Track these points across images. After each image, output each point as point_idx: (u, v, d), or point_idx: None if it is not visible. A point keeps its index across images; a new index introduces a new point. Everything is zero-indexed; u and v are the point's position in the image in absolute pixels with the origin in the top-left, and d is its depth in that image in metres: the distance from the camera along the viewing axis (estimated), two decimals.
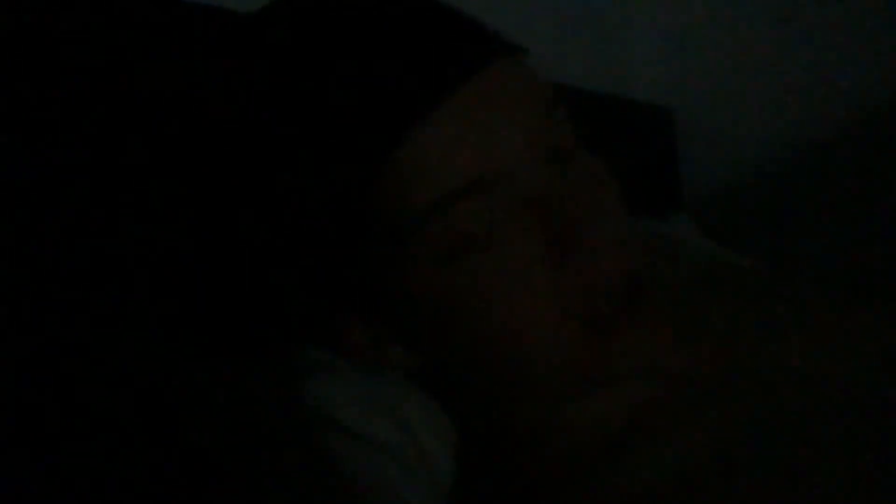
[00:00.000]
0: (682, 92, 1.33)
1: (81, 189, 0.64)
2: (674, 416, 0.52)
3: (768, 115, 1.27)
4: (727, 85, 1.30)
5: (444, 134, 0.44)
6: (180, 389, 0.65)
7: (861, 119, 1.19)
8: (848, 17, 1.18)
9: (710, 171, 1.33)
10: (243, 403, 0.61)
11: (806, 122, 1.24)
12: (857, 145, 1.20)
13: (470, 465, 0.58)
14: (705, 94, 1.32)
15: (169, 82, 0.62)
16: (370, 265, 0.47)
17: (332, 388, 0.59)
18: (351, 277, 0.47)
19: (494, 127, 0.45)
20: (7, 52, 0.63)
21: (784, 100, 1.25)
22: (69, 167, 0.64)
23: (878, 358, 0.55)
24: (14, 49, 0.63)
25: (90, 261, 0.65)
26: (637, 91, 1.32)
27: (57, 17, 0.66)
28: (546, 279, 0.46)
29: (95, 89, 0.65)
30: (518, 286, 0.46)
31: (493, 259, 0.46)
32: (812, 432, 0.50)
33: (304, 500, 0.57)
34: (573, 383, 0.49)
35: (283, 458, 0.59)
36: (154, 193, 0.59)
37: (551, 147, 0.47)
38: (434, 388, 0.56)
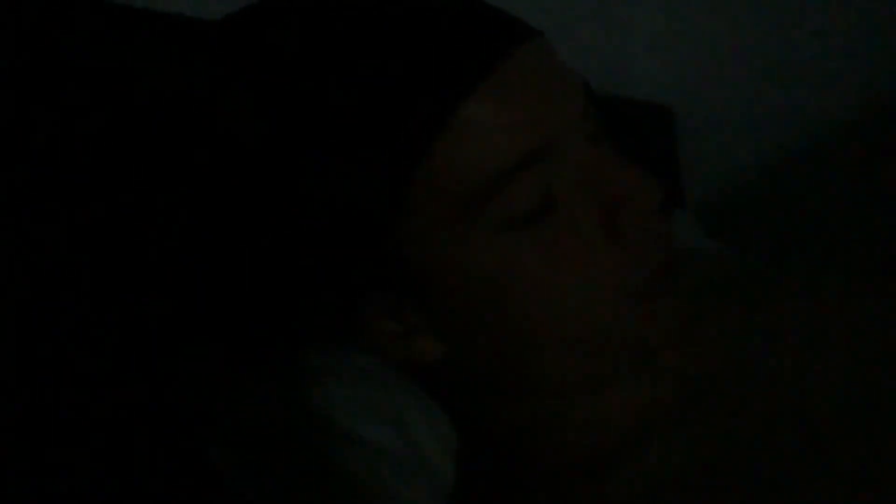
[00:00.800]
0: (682, 90, 1.33)
1: (100, 190, 0.64)
2: (679, 416, 0.52)
3: (769, 111, 1.27)
4: (727, 82, 1.30)
5: (492, 109, 0.44)
6: (185, 389, 0.65)
7: (863, 114, 1.19)
8: (849, 12, 1.19)
9: (711, 169, 1.33)
10: (248, 406, 0.61)
11: (807, 118, 1.24)
12: (859, 140, 1.20)
13: (470, 470, 0.58)
14: (706, 92, 1.32)
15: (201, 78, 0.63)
16: (411, 249, 0.46)
17: (335, 393, 0.59)
18: (389, 263, 0.47)
19: (541, 100, 0.45)
20: (11, 60, 0.63)
21: (785, 96, 1.25)
22: (86, 173, 0.64)
23: (882, 354, 0.55)
24: (18, 58, 0.64)
25: (106, 261, 0.65)
26: (637, 89, 1.32)
27: (64, 28, 0.66)
28: (601, 251, 0.46)
29: (115, 97, 0.66)
30: (575, 258, 0.46)
31: (552, 231, 0.45)
32: (816, 432, 0.50)
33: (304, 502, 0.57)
34: (618, 358, 0.49)
35: (284, 462, 0.59)
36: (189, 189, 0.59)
37: (592, 132, 0.48)
38: (442, 388, 0.56)
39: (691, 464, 0.49)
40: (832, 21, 1.20)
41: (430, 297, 0.47)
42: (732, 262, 0.67)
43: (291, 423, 0.61)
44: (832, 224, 1.21)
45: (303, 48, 0.45)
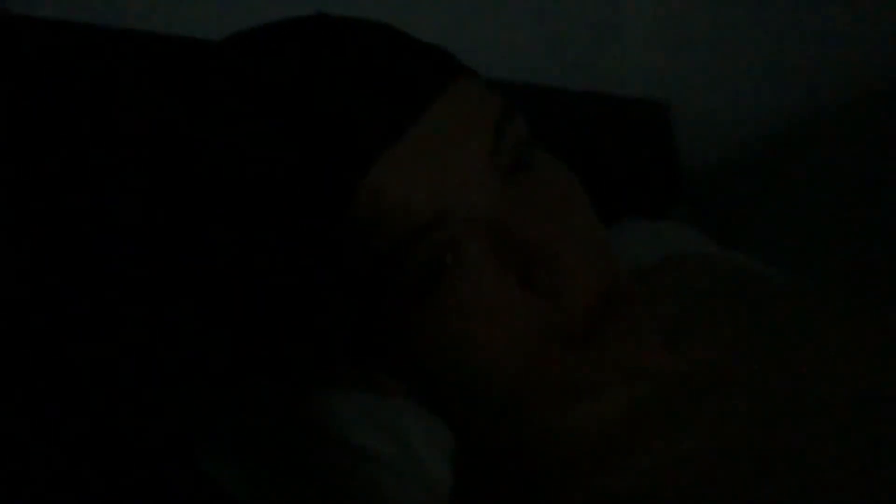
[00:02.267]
0: (676, 85, 1.33)
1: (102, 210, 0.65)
2: (665, 418, 0.52)
3: (765, 105, 1.26)
4: (723, 76, 1.30)
5: (399, 173, 0.44)
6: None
7: (859, 106, 1.19)
8: (845, 5, 1.18)
9: (708, 164, 1.33)
10: (244, 414, 0.61)
11: (803, 111, 1.24)
12: (856, 133, 1.19)
13: (467, 474, 0.58)
14: (700, 87, 1.32)
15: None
16: (347, 305, 0.47)
17: (332, 400, 0.60)
18: (332, 319, 0.48)
19: (447, 158, 0.45)
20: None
21: (782, 89, 1.24)
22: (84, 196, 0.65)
23: (880, 361, 0.55)
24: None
25: (98, 269, 0.65)
26: (631, 86, 1.32)
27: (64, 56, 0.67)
28: (513, 303, 0.46)
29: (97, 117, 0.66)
30: (487, 312, 0.46)
31: (461, 288, 0.45)
32: (808, 434, 0.50)
33: None
34: (555, 398, 0.49)
35: (280, 469, 0.60)
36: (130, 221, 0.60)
37: (505, 166, 0.47)
38: (429, 400, 0.56)
39: (679, 466, 0.49)
40: (828, 12, 1.20)
41: (377, 341, 0.49)
42: (724, 263, 0.68)
43: (288, 430, 0.61)
44: (830, 217, 1.21)
45: (223, 107, 0.46)
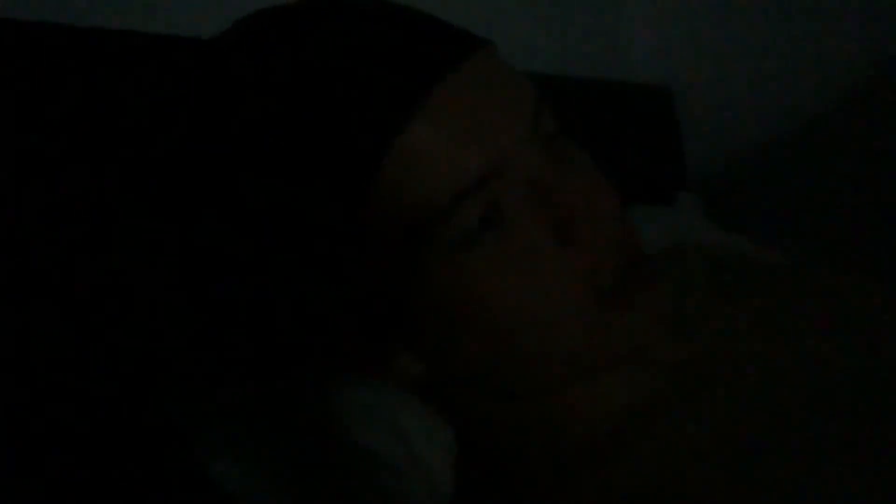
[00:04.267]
0: (680, 70, 1.32)
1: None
2: (670, 406, 0.52)
3: (770, 89, 1.25)
4: (727, 61, 1.29)
5: (432, 135, 0.44)
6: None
7: (867, 90, 1.18)
8: None
9: (712, 149, 1.32)
10: (246, 415, 0.61)
11: (807, 95, 1.23)
12: (863, 117, 1.18)
13: (470, 476, 0.58)
14: (704, 72, 1.31)
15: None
16: (374, 274, 0.47)
17: (334, 401, 0.59)
18: (356, 288, 0.47)
19: (483, 120, 0.45)
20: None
21: (786, 73, 1.24)
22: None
23: (873, 345, 0.55)
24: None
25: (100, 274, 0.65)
26: (635, 72, 1.32)
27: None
28: (555, 259, 0.46)
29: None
30: (530, 268, 0.46)
31: (505, 245, 0.46)
32: (811, 423, 0.50)
33: None
34: (582, 363, 0.49)
35: (282, 471, 0.59)
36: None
37: (544, 134, 0.48)
38: (435, 396, 0.56)
39: (681, 458, 0.49)
40: None
41: (406, 316, 0.48)
42: (728, 252, 0.68)
43: (289, 429, 0.62)
44: (835, 201, 1.21)
45: (262, 77, 0.45)
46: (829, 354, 0.54)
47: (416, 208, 0.44)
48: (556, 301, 0.47)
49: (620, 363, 0.50)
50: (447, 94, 0.44)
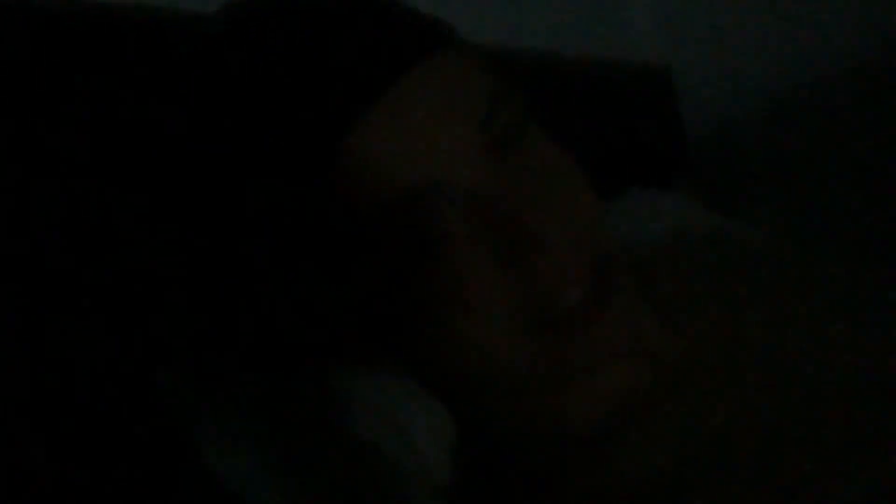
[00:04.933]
0: (679, 49, 1.31)
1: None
2: (667, 399, 0.51)
3: (772, 69, 1.25)
4: (727, 39, 1.27)
5: (381, 137, 0.43)
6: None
7: (869, 70, 1.16)
8: None
9: (712, 130, 1.32)
10: (238, 403, 0.61)
11: (811, 76, 1.22)
12: (865, 98, 1.17)
13: (469, 469, 0.57)
14: (704, 51, 1.30)
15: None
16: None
17: (328, 388, 0.59)
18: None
19: (429, 129, 0.43)
20: None
21: (788, 51, 1.22)
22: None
23: (874, 341, 0.54)
24: None
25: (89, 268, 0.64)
26: (632, 51, 1.31)
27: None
28: (492, 285, 0.45)
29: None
30: (463, 294, 0.44)
31: (444, 267, 0.44)
32: (811, 418, 0.49)
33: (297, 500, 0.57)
34: (547, 383, 0.48)
35: (274, 460, 0.59)
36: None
37: (493, 142, 0.45)
38: (429, 381, 0.55)
39: (677, 450, 0.49)
40: None
41: (374, 320, 0.48)
42: (728, 239, 0.67)
43: (288, 422, 0.61)
44: (836, 184, 1.20)
45: (208, 75, 0.46)
46: (829, 347, 0.54)
47: (358, 217, 0.43)
48: (491, 330, 0.45)
49: (594, 370, 0.49)
50: (391, 102, 0.43)
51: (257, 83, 0.43)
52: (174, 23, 0.69)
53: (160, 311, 0.65)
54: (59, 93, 0.65)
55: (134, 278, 0.65)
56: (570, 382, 0.49)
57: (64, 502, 0.59)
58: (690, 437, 0.49)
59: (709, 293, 0.56)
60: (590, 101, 1.17)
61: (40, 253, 0.62)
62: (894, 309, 0.56)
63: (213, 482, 0.59)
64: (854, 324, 0.54)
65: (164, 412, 0.61)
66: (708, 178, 1.27)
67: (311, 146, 0.42)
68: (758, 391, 0.50)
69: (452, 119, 0.44)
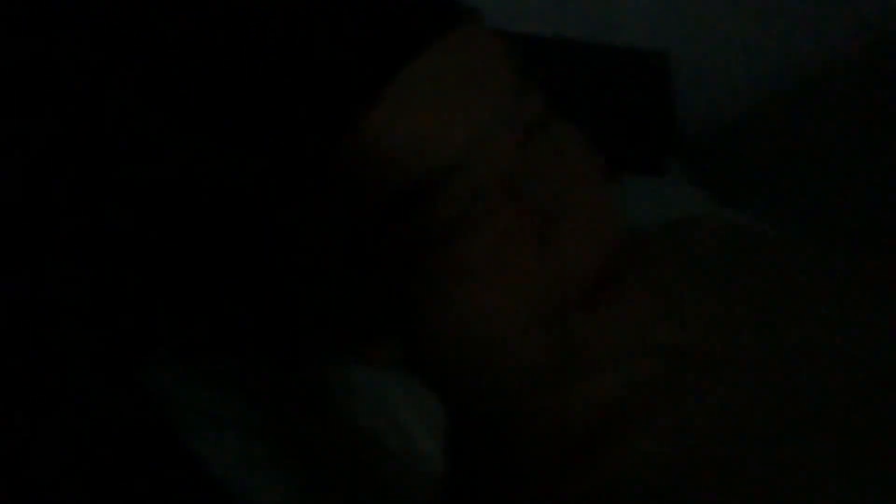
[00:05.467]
0: (675, 33, 1.31)
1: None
2: (669, 395, 0.50)
3: (769, 53, 1.25)
4: (723, 23, 1.27)
5: (397, 119, 0.42)
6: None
7: (866, 55, 1.17)
8: None
9: (707, 116, 1.32)
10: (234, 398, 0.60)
11: (808, 61, 1.22)
12: (862, 83, 1.17)
13: (461, 452, 0.56)
14: (700, 35, 1.30)
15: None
16: (345, 258, 0.45)
17: (325, 378, 0.59)
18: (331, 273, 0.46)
19: (461, 102, 0.42)
20: None
21: (785, 36, 1.22)
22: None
23: (877, 333, 0.54)
24: None
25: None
26: (627, 35, 1.30)
27: None
28: (521, 262, 0.44)
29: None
30: (493, 270, 0.44)
31: (467, 243, 0.43)
32: (812, 411, 0.49)
33: (294, 490, 0.56)
34: (539, 375, 0.48)
35: (268, 452, 0.58)
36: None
37: (523, 121, 0.45)
38: (427, 372, 0.54)
39: (682, 444, 0.48)
40: None
41: (378, 303, 0.47)
42: (726, 228, 0.67)
43: (281, 413, 0.61)
44: (832, 171, 1.20)
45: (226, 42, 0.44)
46: (831, 339, 0.53)
47: (376, 196, 0.42)
48: (519, 306, 0.44)
49: (603, 364, 0.49)
50: (417, 75, 0.42)
51: (280, 49, 0.42)
52: None
53: (152, 303, 0.64)
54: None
55: (125, 268, 0.64)
56: (573, 380, 0.48)
57: (51, 500, 0.59)
58: (692, 436, 0.48)
59: (708, 283, 0.56)
60: (585, 86, 1.16)
61: (29, 245, 0.61)
62: (891, 302, 0.56)
63: (204, 476, 0.59)
64: (853, 317, 0.54)
65: (151, 408, 0.61)
66: (703, 163, 1.27)
67: (333, 118, 0.41)
68: (760, 388, 0.50)
69: (483, 94, 0.43)
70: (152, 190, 0.59)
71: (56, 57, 0.63)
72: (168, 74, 0.46)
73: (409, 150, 0.41)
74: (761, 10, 1.24)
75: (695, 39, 1.29)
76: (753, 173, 1.28)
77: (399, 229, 0.43)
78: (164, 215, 0.58)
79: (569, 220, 0.44)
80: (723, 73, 1.29)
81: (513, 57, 0.46)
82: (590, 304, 0.45)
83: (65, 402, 0.60)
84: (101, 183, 0.63)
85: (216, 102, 0.44)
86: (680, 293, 0.54)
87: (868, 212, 1.14)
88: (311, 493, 0.57)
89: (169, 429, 0.60)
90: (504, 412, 0.52)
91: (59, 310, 0.62)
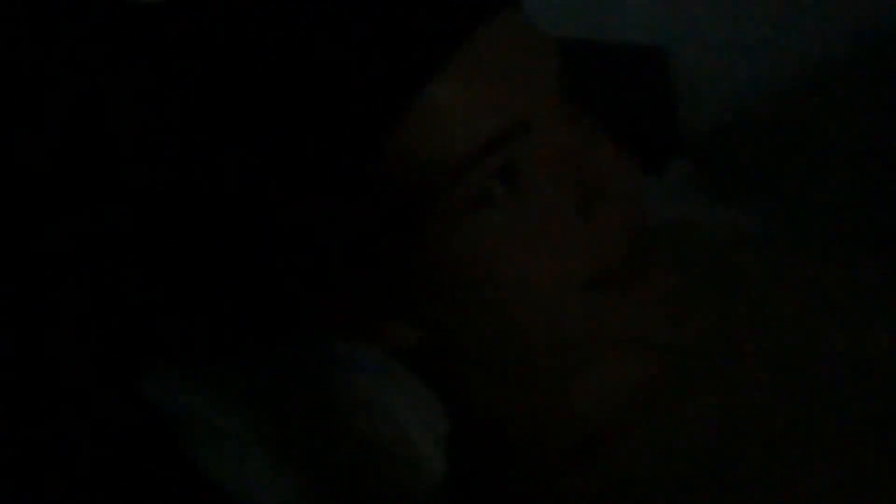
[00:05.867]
0: (675, 30, 1.31)
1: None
2: (670, 393, 0.51)
3: (771, 50, 1.24)
4: (724, 20, 1.26)
5: (458, 90, 0.43)
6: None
7: (869, 54, 1.16)
8: None
9: (708, 113, 1.31)
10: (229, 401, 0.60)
11: (810, 59, 1.21)
12: (865, 82, 1.17)
13: (462, 455, 0.56)
14: (700, 32, 1.29)
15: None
16: (380, 230, 0.45)
17: (319, 384, 0.58)
18: (357, 243, 0.45)
19: (511, 79, 0.43)
20: None
21: (788, 33, 1.22)
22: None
23: (877, 333, 0.54)
24: None
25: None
26: (627, 32, 1.30)
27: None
28: (569, 231, 0.45)
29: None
30: (542, 237, 0.44)
31: (521, 209, 0.44)
32: (811, 411, 0.50)
33: (293, 495, 0.56)
34: (575, 347, 0.48)
35: (266, 455, 0.58)
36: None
37: (567, 105, 0.46)
38: (429, 368, 0.54)
39: (682, 444, 0.49)
40: None
41: (402, 279, 0.46)
42: (724, 228, 0.67)
43: (282, 416, 0.60)
44: (831, 168, 1.20)
45: (269, 31, 0.43)
46: (830, 341, 0.54)
47: (432, 165, 0.43)
48: (562, 275, 0.45)
49: (616, 348, 0.49)
50: (476, 48, 0.43)
51: (336, 28, 0.42)
52: None
53: (154, 309, 0.64)
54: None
55: (129, 275, 0.63)
56: (595, 361, 0.49)
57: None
58: (690, 431, 0.49)
59: (706, 286, 0.56)
60: (583, 83, 1.16)
61: (32, 254, 0.61)
62: (889, 304, 0.56)
63: (202, 481, 0.59)
64: (849, 320, 0.54)
65: (152, 415, 0.60)
66: (703, 163, 1.27)
67: (394, 88, 0.42)
68: (759, 390, 0.50)
69: (538, 71, 0.44)
70: (153, 191, 0.58)
71: (57, 58, 0.63)
72: (173, 73, 0.46)
73: (464, 121, 0.42)
74: (761, 10, 1.23)
75: (695, 39, 1.29)
76: (753, 173, 1.27)
77: (446, 193, 0.43)
78: (164, 217, 0.57)
79: (613, 200, 0.45)
80: (723, 72, 1.28)
81: (552, 42, 0.47)
82: (624, 280, 0.46)
83: (66, 410, 0.60)
84: (100, 183, 0.63)
85: (225, 101, 0.44)
86: (679, 294, 0.54)
87: (868, 212, 1.14)
88: (312, 498, 0.57)
89: (169, 436, 0.59)
90: (505, 412, 0.51)
91: (60, 318, 0.61)
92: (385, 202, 0.44)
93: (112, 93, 0.60)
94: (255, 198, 0.45)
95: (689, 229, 0.64)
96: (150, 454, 0.60)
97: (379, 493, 0.57)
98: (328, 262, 0.46)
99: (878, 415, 0.50)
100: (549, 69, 0.45)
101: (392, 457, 0.58)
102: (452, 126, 0.42)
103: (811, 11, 1.19)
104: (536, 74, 0.45)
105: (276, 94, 0.43)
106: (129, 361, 0.62)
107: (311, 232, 0.45)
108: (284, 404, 0.61)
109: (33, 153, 0.62)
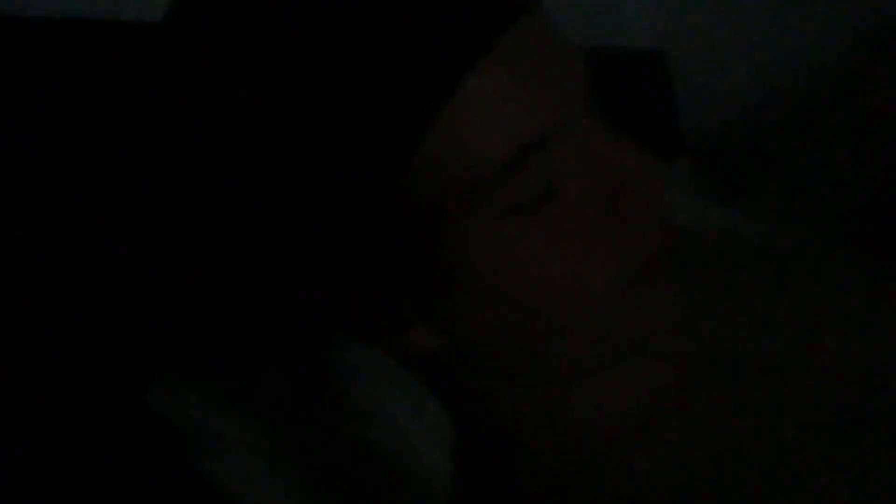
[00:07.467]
0: (675, 32, 1.30)
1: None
2: (680, 403, 0.51)
3: (770, 52, 1.24)
4: (724, 22, 1.27)
5: (496, 86, 0.41)
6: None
7: (868, 54, 1.16)
8: None
9: (709, 115, 1.31)
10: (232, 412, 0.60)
11: (810, 60, 1.21)
12: (864, 82, 1.17)
13: (468, 465, 0.56)
14: (701, 34, 1.29)
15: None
16: (410, 232, 0.44)
17: (322, 392, 0.58)
18: (383, 246, 0.44)
19: (545, 79, 0.43)
20: None
21: (787, 34, 1.22)
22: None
23: (883, 340, 0.54)
24: None
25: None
26: (628, 35, 1.30)
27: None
28: (602, 230, 0.45)
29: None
30: (576, 236, 0.44)
31: (555, 210, 0.44)
32: (819, 421, 0.49)
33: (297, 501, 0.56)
34: (605, 344, 0.47)
35: (269, 464, 0.58)
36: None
37: (593, 104, 0.46)
38: (442, 378, 0.54)
39: (692, 454, 0.48)
40: None
41: (428, 284, 0.45)
42: (731, 238, 0.67)
43: (283, 420, 0.60)
44: (831, 168, 1.20)
45: (302, 23, 0.42)
46: (836, 349, 0.53)
47: (469, 166, 0.42)
48: (594, 274, 0.45)
49: (636, 351, 0.49)
50: (514, 44, 0.42)
51: (377, 16, 0.41)
52: None
53: (159, 316, 0.64)
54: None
55: (134, 281, 0.64)
56: (616, 365, 0.49)
57: None
58: (697, 451, 0.48)
59: (708, 295, 0.55)
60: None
61: (40, 258, 0.61)
62: (890, 311, 0.56)
63: (204, 488, 0.59)
64: (858, 326, 0.55)
65: (158, 428, 0.60)
66: (703, 163, 1.27)
67: (429, 82, 0.40)
68: (766, 401, 0.50)
69: (570, 72, 0.44)
70: (159, 197, 0.58)
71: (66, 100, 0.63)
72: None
73: (504, 122, 0.41)
74: (761, 10, 1.23)
75: (695, 39, 1.29)
76: (753, 173, 1.27)
77: (480, 196, 0.42)
78: (171, 228, 0.57)
79: (641, 199, 0.44)
80: (723, 73, 1.28)
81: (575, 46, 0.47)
82: (652, 275, 0.46)
83: (74, 422, 0.60)
84: (103, 188, 0.63)
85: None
86: (683, 303, 0.54)
87: (868, 212, 1.13)
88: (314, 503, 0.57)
89: (176, 448, 0.59)
90: (522, 414, 0.52)
91: (67, 332, 0.61)
92: (416, 203, 0.43)
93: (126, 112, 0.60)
94: (282, 197, 0.43)
95: (691, 239, 0.64)
96: (155, 463, 0.61)
97: (381, 500, 0.57)
98: (354, 264, 0.45)
99: (881, 422, 0.49)
100: (579, 71, 0.45)
101: (394, 464, 0.58)
102: (490, 125, 0.41)
103: (811, 12, 1.19)
104: (567, 77, 0.44)
105: (305, 87, 0.41)
106: (135, 372, 0.62)
107: (338, 235, 0.44)
108: (286, 412, 0.61)
109: (46, 165, 0.63)
